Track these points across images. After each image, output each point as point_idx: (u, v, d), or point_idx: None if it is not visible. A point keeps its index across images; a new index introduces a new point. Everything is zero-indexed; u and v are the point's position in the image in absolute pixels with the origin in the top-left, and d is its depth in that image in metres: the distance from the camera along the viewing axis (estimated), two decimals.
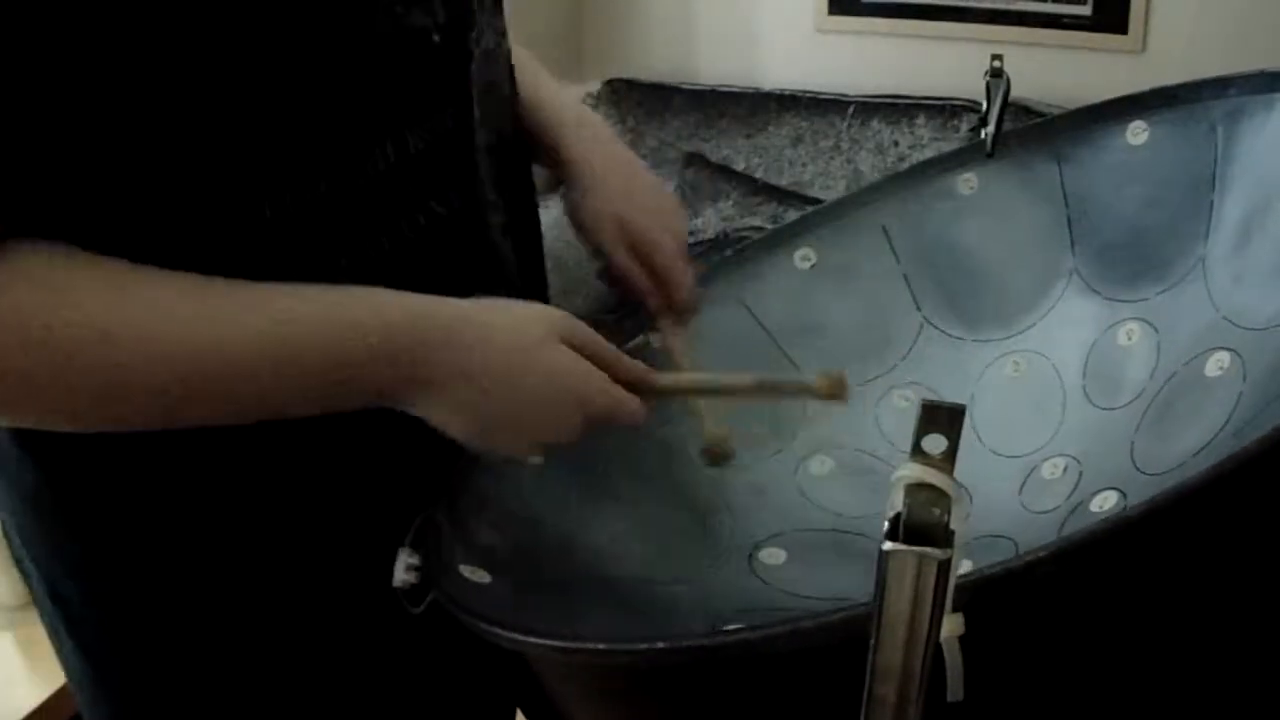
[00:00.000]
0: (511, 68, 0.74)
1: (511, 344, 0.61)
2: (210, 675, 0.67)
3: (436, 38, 0.63)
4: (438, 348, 0.59)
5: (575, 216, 0.79)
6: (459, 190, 0.65)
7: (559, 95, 0.83)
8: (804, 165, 2.89)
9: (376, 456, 0.67)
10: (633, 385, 0.64)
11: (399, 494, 0.66)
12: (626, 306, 0.80)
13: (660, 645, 0.48)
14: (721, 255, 0.89)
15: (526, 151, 0.78)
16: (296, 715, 0.69)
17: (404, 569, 0.61)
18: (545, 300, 0.79)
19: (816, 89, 2.94)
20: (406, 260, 0.62)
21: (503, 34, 0.72)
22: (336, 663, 0.69)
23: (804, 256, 0.88)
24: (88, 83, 0.50)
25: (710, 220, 2.84)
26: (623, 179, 0.80)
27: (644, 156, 3.25)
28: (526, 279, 0.76)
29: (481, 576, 0.61)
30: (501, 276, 0.71)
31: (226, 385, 0.55)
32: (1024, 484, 0.76)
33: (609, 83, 3.20)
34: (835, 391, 0.67)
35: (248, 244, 0.57)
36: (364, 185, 0.60)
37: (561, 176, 0.80)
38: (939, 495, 0.33)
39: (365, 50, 0.59)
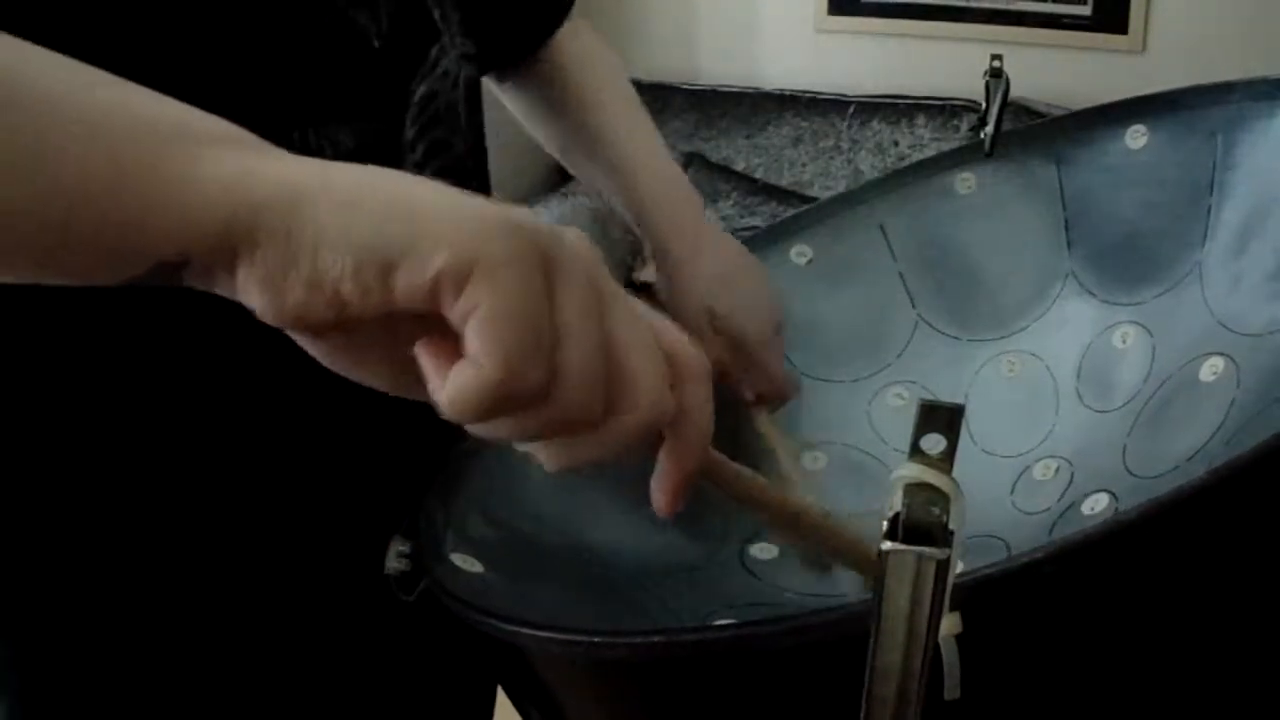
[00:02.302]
0: (473, 91, 0.72)
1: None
2: (196, 660, 0.66)
3: (377, 43, 0.63)
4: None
5: (665, 304, 0.78)
6: None
7: (652, 164, 0.82)
8: (804, 165, 2.90)
9: (369, 444, 0.67)
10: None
11: (392, 481, 0.66)
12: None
13: (654, 638, 0.48)
14: None
15: (484, 181, 0.76)
16: (283, 700, 0.69)
17: (396, 557, 0.61)
18: None
19: (816, 89, 2.94)
20: None
21: (467, 58, 0.71)
22: (325, 648, 0.69)
23: (800, 253, 0.88)
24: None
25: (710, 220, 2.84)
26: (711, 264, 0.78)
27: None
28: None
29: (474, 565, 0.61)
30: None
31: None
32: (1016, 484, 0.76)
33: None
34: None
35: None
36: None
37: (651, 254, 0.80)
38: (938, 495, 0.33)
39: (299, 34, 0.59)
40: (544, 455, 0.40)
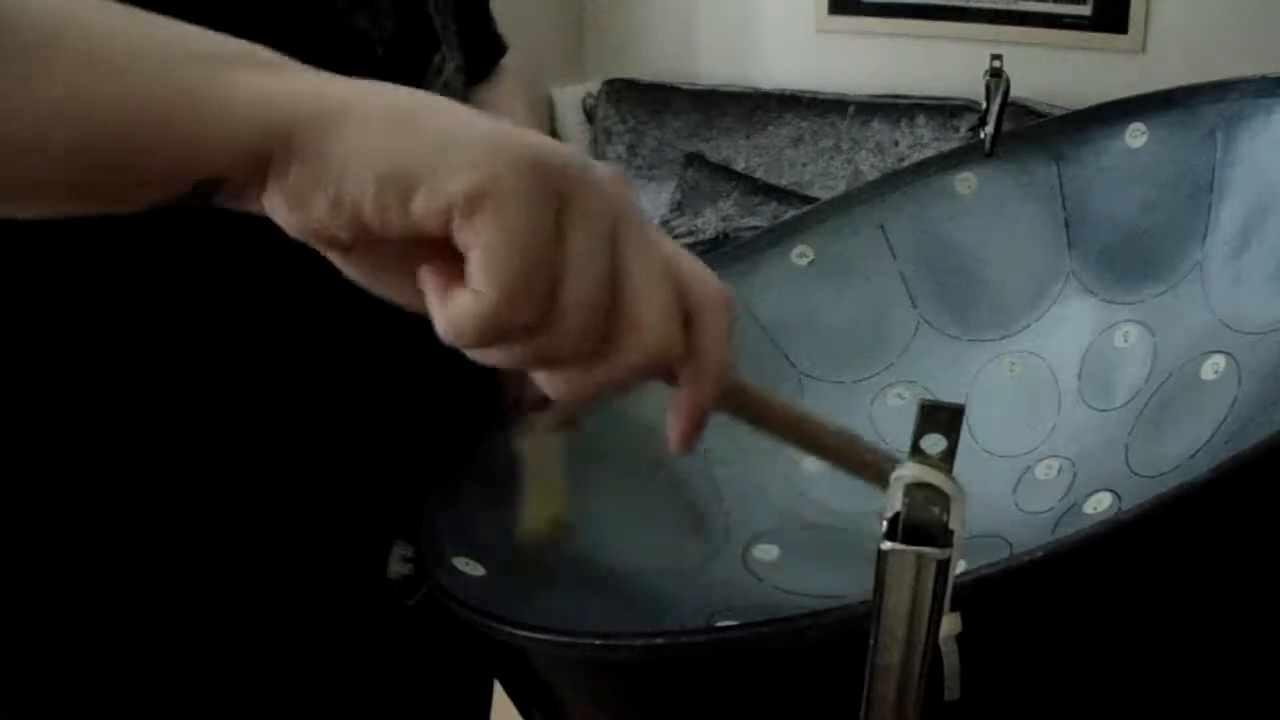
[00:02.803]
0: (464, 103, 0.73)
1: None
2: (198, 662, 0.67)
3: (380, 50, 0.63)
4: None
5: None
6: None
7: None
8: (804, 165, 2.90)
9: (372, 447, 0.67)
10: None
11: (394, 485, 0.66)
12: None
13: (656, 640, 0.48)
14: (719, 251, 0.89)
15: None
16: (285, 702, 0.69)
17: (398, 560, 0.61)
18: None
19: (816, 89, 2.94)
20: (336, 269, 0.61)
21: (459, 69, 0.71)
22: (327, 651, 0.69)
23: (801, 254, 0.88)
24: None
25: (710, 220, 2.84)
26: None
27: (644, 156, 3.27)
28: None
29: (476, 569, 0.61)
30: None
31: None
32: (1018, 484, 0.76)
33: (609, 83, 3.21)
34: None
35: (174, 231, 0.57)
36: None
37: None
38: (938, 495, 0.33)
39: (302, 38, 0.59)
40: (547, 384, 0.41)
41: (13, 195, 0.41)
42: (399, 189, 0.37)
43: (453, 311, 0.37)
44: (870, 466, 0.50)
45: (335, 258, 0.41)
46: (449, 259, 0.38)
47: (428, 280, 0.39)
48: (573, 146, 3.07)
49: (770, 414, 0.47)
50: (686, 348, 0.41)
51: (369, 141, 0.38)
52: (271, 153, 0.39)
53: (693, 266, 0.42)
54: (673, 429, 0.42)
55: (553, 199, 0.37)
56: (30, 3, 0.39)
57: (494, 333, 0.37)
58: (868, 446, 0.49)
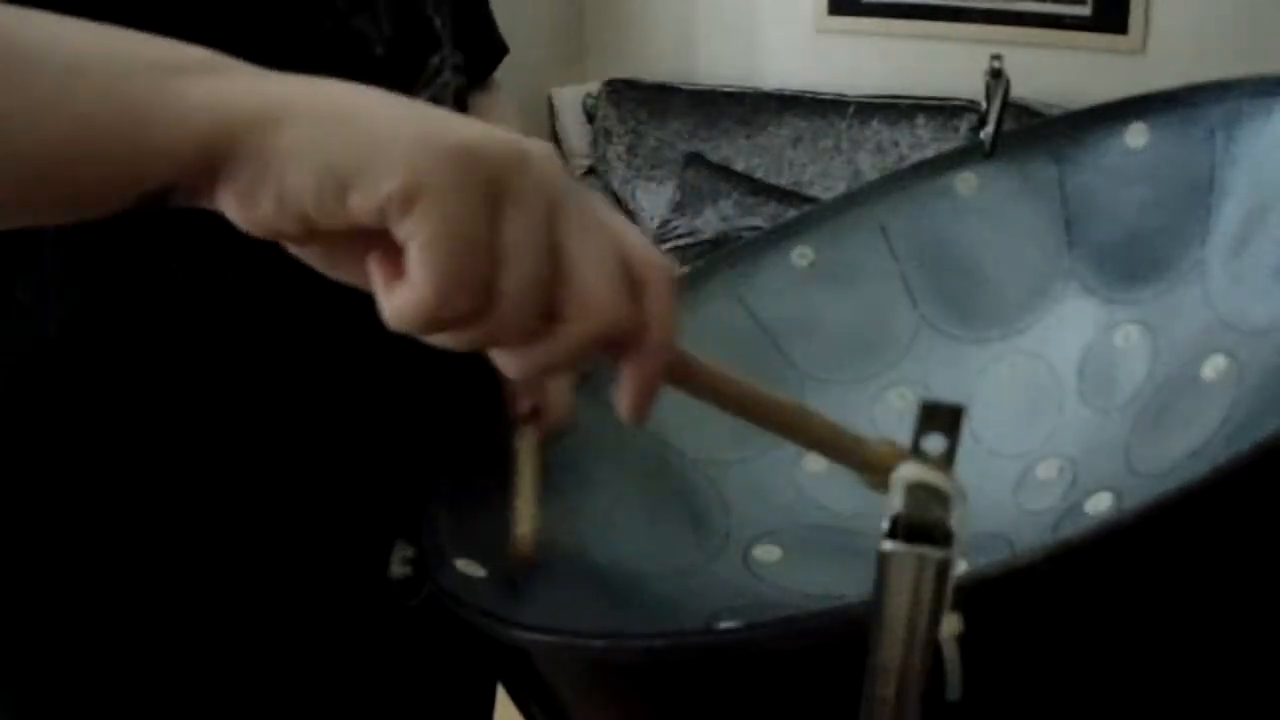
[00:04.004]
0: (461, 103, 0.73)
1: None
2: (199, 663, 0.67)
3: (380, 50, 0.63)
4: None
5: None
6: None
7: None
8: (804, 165, 2.90)
9: (374, 449, 0.67)
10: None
11: (395, 487, 0.66)
12: None
13: (657, 641, 0.48)
14: (719, 252, 0.89)
15: None
16: (287, 704, 0.69)
17: (400, 562, 0.61)
18: None
19: (816, 89, 2.95)
20: None
21: (457, 68, 0.71)
22: (329, 653, 0.70)
23: (801, 254, 0.88)
24: None
25: (710, 220, 2.84)
26: None
27: (644, 156, 3.27)
28: None
29: (478, 570, 0.61)
30: None
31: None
32: (1019, 483, 0.76)
33: (609, 83, 3.21)
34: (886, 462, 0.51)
35: (176, 235, 0.57)
36: None
37: None
38: (938, 495, 0.33)
39: (301, 39, 0.59)
40: (502, 362, 0.42)
41: None
42: (336, 186, 0.38)
43: (395, 303, 0.39)
44: (827, 441, 0.50)
45: (292, 248, 0.42)
46: (394, 247, 0.39)
47: (374, 271, 0.40)
48: (578, 144, 3.05)
49: (722, 389, 0.47)
50: (633, 321, 0.41)
51: (306, 140, 0.39)
52: (217, 156, 0.40)
53: (636, 240, 0.43)
54: (622, 401, 0.43)
55: (485, 189, 0.38)
56: None
57: (435, 322, 0.39)
58: (824, 421, 0.49)
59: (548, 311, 0.40)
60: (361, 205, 0.38)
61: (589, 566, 0.68)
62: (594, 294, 0.40)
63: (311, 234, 0.40)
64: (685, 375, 0.45)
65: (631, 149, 3.14)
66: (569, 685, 0.57)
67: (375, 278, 0.40)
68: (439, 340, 0.40)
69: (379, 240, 0.39)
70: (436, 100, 0.68)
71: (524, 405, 0.72)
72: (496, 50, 0.86)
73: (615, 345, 0.42)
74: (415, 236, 0.38)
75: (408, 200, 0.38)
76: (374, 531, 0.65)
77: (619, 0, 3.27)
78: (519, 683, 0.61)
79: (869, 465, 0.50)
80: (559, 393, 0.72)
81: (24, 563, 0.63)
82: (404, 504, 0.65)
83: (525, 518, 0.62)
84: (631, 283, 0.41)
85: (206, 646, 0.66)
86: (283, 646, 0.68)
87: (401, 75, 0.65)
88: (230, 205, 0.40)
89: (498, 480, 0.68)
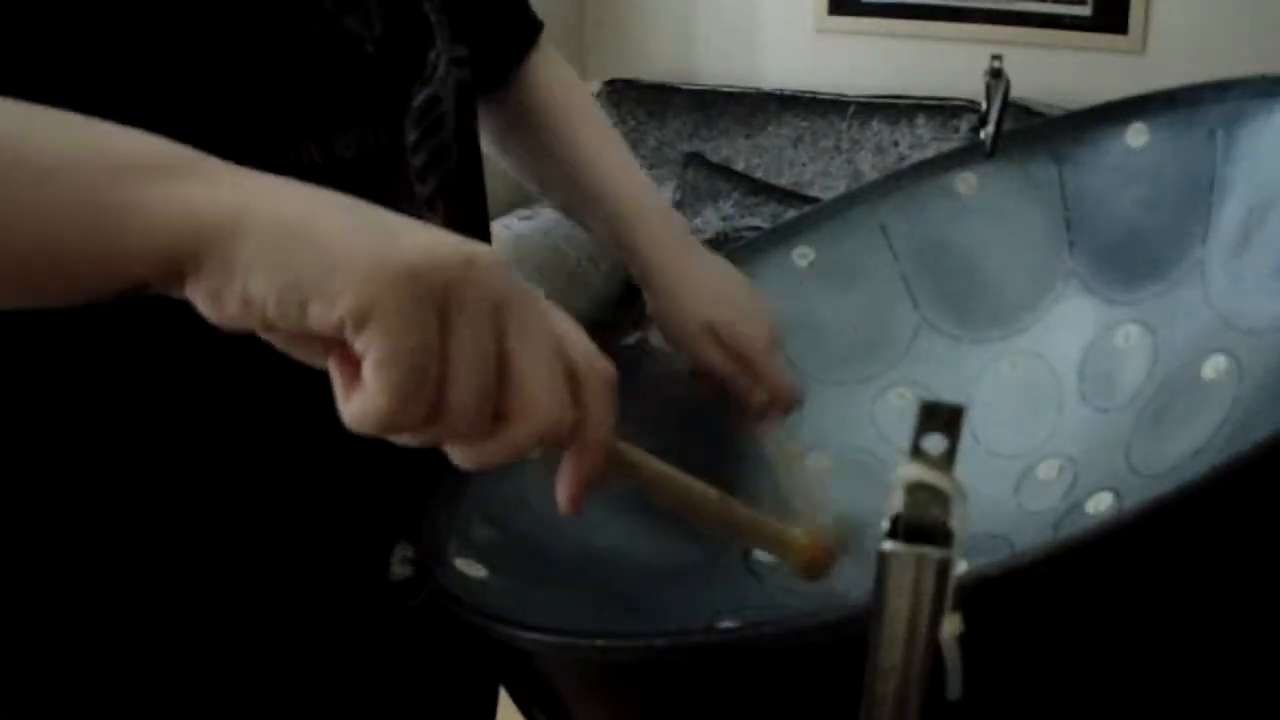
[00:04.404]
0: (464, 96, 0.73)
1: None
2: (200, 664, 0.67)
3: (370, 49, 0.63)
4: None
5: (660, 320, 0.80)
6: (390, 205, 0.64)
7: (629, 181, 0.83)
8: (804, 165, 2.90)
9: (374, 450, 0.67)
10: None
11: (396, 488, 0.66)
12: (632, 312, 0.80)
13: (658, 642, 0.48)
14: (720, 253, 0.89)
15: (479, 185, 0.77)
16: (289, 705, 0.69)
17: (400, 562, 0.61)
18: None
19: (816, 89, 2.94)
20: None
21: (459, 62, 0.71)
22: (330, 653, 0.70)
23: (802, 254, 0.88)
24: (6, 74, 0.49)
25: (710, 220, 2.84)
26: (704, 279, 0.80)
27: (644, 156, 3.27)
28: None
29: (478, 570, 0.61)
30: None
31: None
32: (1020, 484, 0.76)
33: (609, 83, 3.20)
34: (818, 562, 0.54)
35: None
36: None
37: (635, 273, 0.81)
38: (939, 495, 0.33)
39: (291, 42, 0.59)
40: (452, 455, 0.45)
41: None
42: (297, 300, 0.41)
43: (353, 409, 0.42)
44: (752, 531, 0.54)
45: (259, 334, 0.44)
46: (349, 350, 0.42)
47: (333, 373, 0.43)
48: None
49: (654, 482, 0.50)
50: (573, 421, 0.44)
51: (264, 255, 0.41)
52: (183, 261, 0.42)
53: (578, 340, 0.46)
54: (560, 494, 0.46)
55: (433, 306, 0.41)
56: None
57: (390, 428, 0.42)
58: (747, 513, 0.53)
59: (494, 412, 0.43)
60: (319, 320, 0.41)
61: (590, 567, 0.68)
62: (537, 398, 0.42)
63: (275, 332, 0.43)
64: (621, 468, 0.48)
65: (632, 149, 3.13)
66: (570, 685, 0.57)
67: (335, 380, 0.43)
68: (397, 440, 0.43)
69: (339, 342, 0.42)
70: (438, 98, 0.68)
71: (758, 398, 0.75)
72: (531, 27, 0.86)
73: (555, 440, 0.44)
74: (369, 353, 0.40)
75: (360, 321, 0.40)
76: (375, 532, 0.65)
77: (619, 0, 3.27)
78: (520, 683, 0.61)
79: (791, 551, 0.54)
80: (778, 366, 0.76)
81: (26, 564, 0.63)
82: (405, 504, 0.65)
83: (810, 514, 0.64)
84: (573, 383, 0.44)
85: (207, 647, 0.66)
86: (284, 647, 0.68)
87: (396, 73, 0.65)
88: (200, 302, 0.43)
89: (498, 481, 0.68)
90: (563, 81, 0.87)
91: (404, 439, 0.43)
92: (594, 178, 0.82)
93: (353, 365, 0.42)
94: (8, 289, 0.45)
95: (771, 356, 0.77)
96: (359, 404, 0.41)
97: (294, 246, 0.41)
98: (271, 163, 0.52)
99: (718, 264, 0.82)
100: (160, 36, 0.55)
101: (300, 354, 0.44)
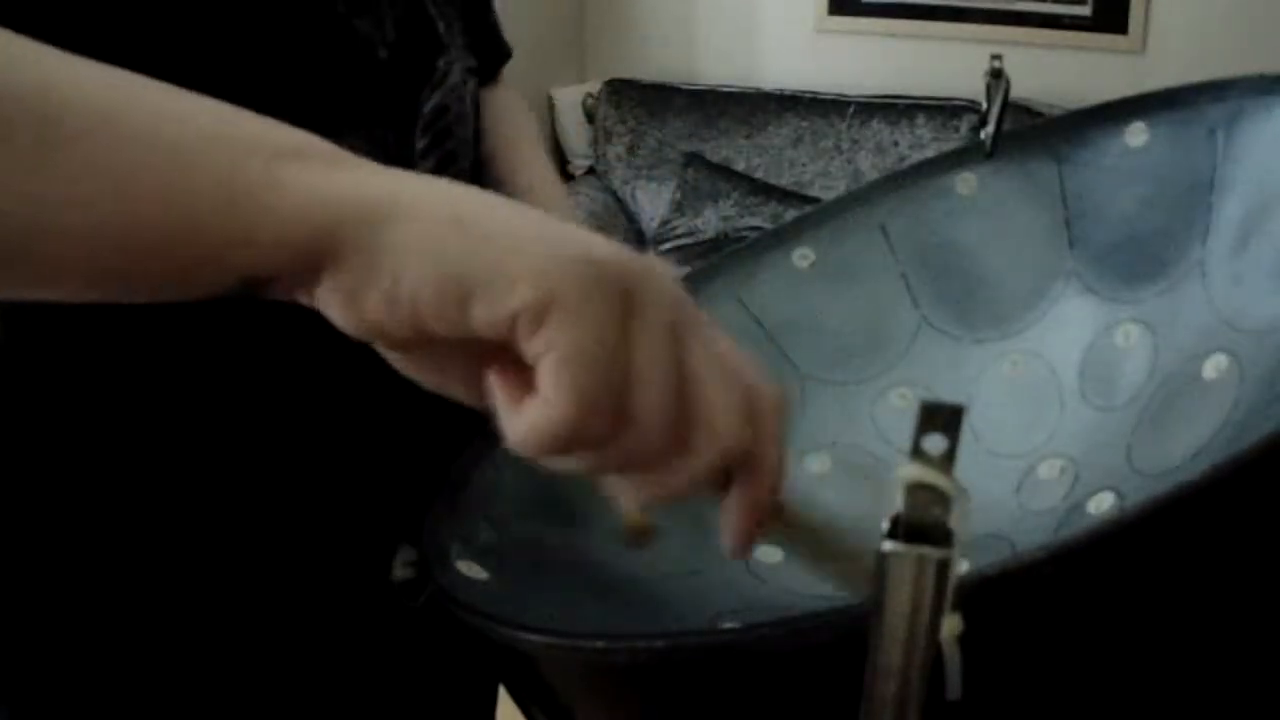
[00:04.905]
0: (476, 106, 0.73)
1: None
2: (201, 665, 0.67)
3: (383, 53, 0.63)
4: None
5: None
6: None
7: (547, 190, 0.82)
8: (804, 165, 2.90)
9: (376, 452, 0.67)
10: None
11: (398, 489, 0.66)
12: None
13: (658, 643, 0.48)
14: (720, 254, 0.89)
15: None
16: (289, 705, 0.69)
17: (402, 565, 0.61)
18: None
19: (816, 89, 2.95)
20: None
21: (470, 71, 0.71)
22: (331, 655, 0.70)
23: (802, 255, 0.88)
24: None
25: (710, 220, 2.84)
26: None
27: (644, 156, 3.27)
28: None
29: (479, 572, 0.61)
30: None
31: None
32: (1021, 484, 0.76)
33: (609, 83, 3.21)
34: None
35: None
36: None
37: None
38: (939, 495, 0.33)
39: (303, 43, 0.59)
40: (618, 490, 0.39)
41: (49, 280, 0.38)
42: (459, 293, 0.36)
43: (525, 423, 0.36)
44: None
45: (391, 355, 0.40)
46: (511, 361, 0.37)
47: (496, 389, 0.37)
48: (578, 144, 3.04)
49: (809, 535, 0.45)
50: (750, 448, 0.39)
51: (424, 241, 0.36)
52: (321, 251, 0.37)
53: (748, 367, 0.40)
54: (729, 530, 0.41)
55: (617, 305, 0.36)
56: (85, 86, 0.38)
57: (568, 444, 0.36)
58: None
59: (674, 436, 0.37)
60: (486, 316, 0.36)
61: (590, 567, 0.68)
62: (722, 420, 0.37)
63: (418, 339, 0.37)
64: (783, 514, 0.43)
65: (631, 149, 3.15)
66: (570, 686, 0.57)
67: (497, 395, 0.37)
68: (561, 464, 0.38)
69: (490, 352, 0.37)
70: (448, 105, 0.68)
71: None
72: (501, 53, 0.86)
73: (725, 473, 0.39)
74: (550, 352, 0.35)
75: (540, 316, 0.35)
76: (376, 534, 0.65)
77: (619, 0, 3.27)
78: (520, 684, 0.61)
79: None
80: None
81: (28, 564, 0.64)
82: (406, 506, 0.65)
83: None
84: (746, 406, 0.39)
85: (209, 648, 0.66)
86: (285, 648, 0.68)
87: (407, 78, 0.65)
88: (333, 304, 0.38)
89: (500, 482, 0.68)
90: (513, 113, 0.87)
91: (572, 462, 0.37)
92: (521, 180, 0.82)
93: (516, 380, 0.37)
94: (117, 272, 0.38)
95: None
96: (535, 415, 0.36)
97: (456, 233, 0.36)
98: None
99: None
100: (172, 37, 0.55)
101: (428, 374, 0.40)
